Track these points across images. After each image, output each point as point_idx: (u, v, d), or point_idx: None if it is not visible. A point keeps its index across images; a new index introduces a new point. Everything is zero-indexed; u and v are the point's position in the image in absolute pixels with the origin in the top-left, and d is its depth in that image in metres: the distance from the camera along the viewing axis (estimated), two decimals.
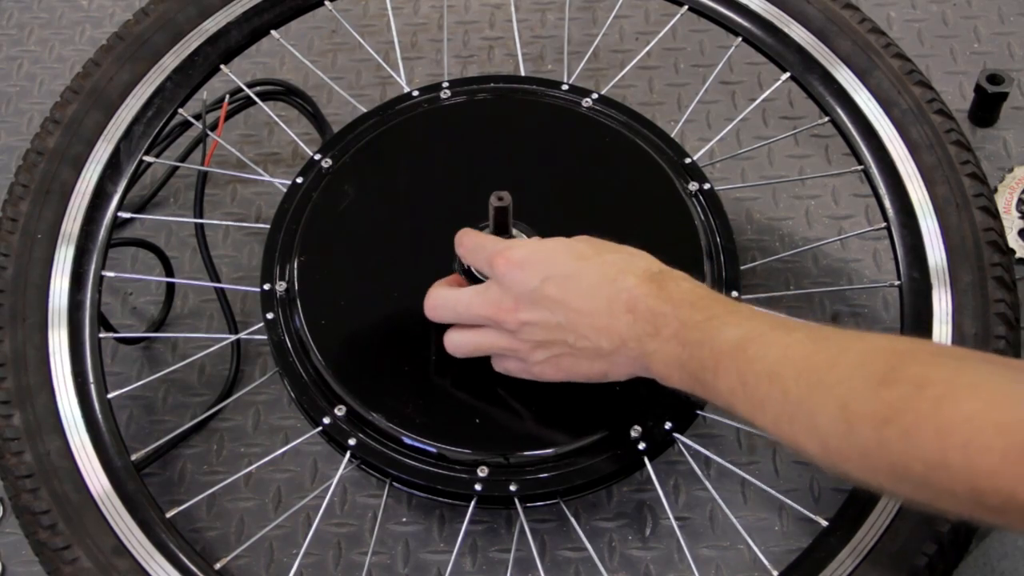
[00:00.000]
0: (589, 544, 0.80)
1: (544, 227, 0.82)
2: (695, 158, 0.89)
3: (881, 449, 0.53)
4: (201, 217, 0.99)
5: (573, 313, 0.68)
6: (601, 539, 0.88)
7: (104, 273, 0.85)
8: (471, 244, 0.75)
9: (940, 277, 0.83)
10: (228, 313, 0.99)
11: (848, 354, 0.57)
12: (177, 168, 1.08)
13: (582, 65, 1.03)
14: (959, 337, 0.80)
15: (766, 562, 0.76)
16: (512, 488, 0.75)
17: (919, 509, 0.71)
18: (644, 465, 0.77)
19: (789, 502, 0.81)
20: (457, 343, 0.75)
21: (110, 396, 0.80)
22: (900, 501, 0.56)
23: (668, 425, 0.77)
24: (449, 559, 0.81)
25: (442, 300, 0.75)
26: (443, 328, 0.77)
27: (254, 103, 1.04)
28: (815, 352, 0.58)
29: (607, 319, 0.67)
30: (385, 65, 1.03)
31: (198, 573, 0.74)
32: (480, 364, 0.77)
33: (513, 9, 1.08)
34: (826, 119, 0.93)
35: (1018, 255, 1.00)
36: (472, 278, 0.76)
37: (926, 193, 0.86)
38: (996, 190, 1.03)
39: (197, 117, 0.98)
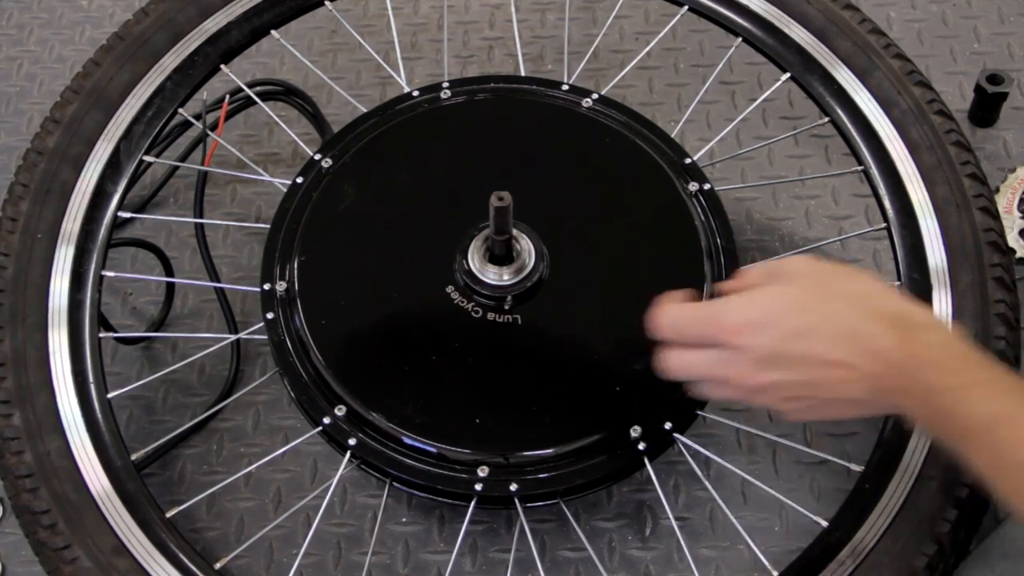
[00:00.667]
0: (589, 544, 0.80)
1: (544, 227, 0.82)
2: (695, 158, 0.89)
3: None
4: (201, 217, 0.99)
5: (816, 369, 0.63)
6: (601, 539, 0.88)
7: (104, 273, 0.85)
8: (672, 321, 0.68)
9: (940, 278, 0.83)
10: (228, 313, 0.99)
11: None
12: (177, 168, 1.08)
13: (582, 65, 1.03)
14: None
15: (766, 562, 0.76)
16: (512, 488, 0.75)
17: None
18: (644, 465, 0.77)
19: (789, 502, 0.81)
20: (707, 392, 0.70)
21: (110, 396, 0.80)
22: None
23: (668, 425, 0.77)
24: (449, 559, 0.81)
25: (681, 358, 0.68)
26: (444, 329, 0.77)
27: (254, 103, 1.04)
28: None
29: (853, 372, 0.62)
30: (385, 65, 1.03)
31: (198, 573, 0.74)
32: (480, 364, 0.77)
33: (513, 9, 1.08)
34: (826, 119, 0.93)
35: (1019, 255, 1.00)
36: None
37: (926, 193, 0.86)
38: (998, 190, 1.03)
39: (197, 117, 0.98)
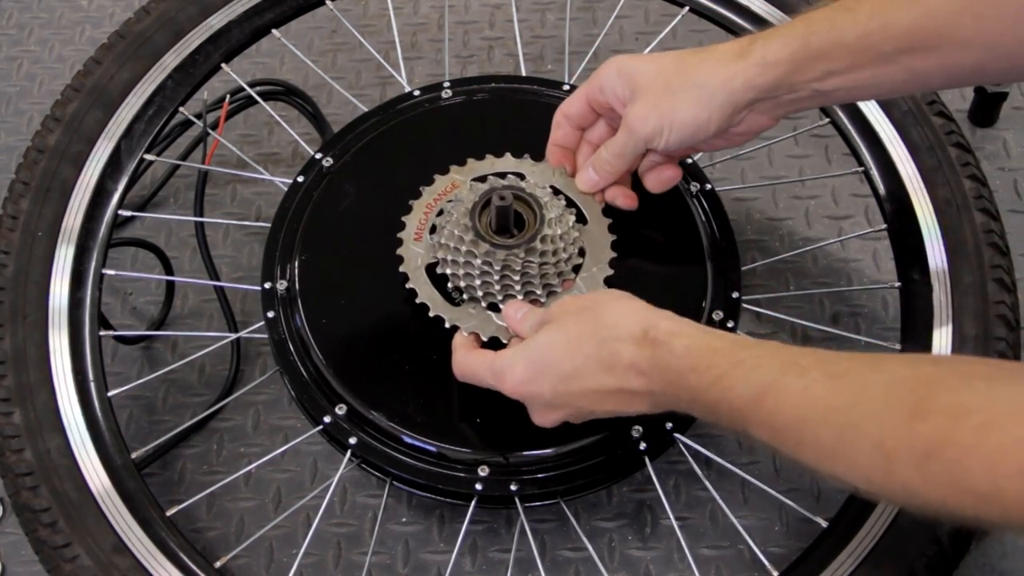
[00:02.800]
0: (589, 544, 0.80)
1: None
2: (696, 158, 0.89)
3: (927, 485, 0.52)
4: (201, 216, 0.99)
5: (595, 400, 0.68)
6: (601, 539, 0.88)
7: (104, 271, 0.85)
8: (466, 372, 0.74)
9: (940, 278, 0.83)
10: (228, 312, 0.99)
11: (870, 389, 0.56)
12: (178, 167, 1.08)
13: (583, 65, 1.03)
14: (959, 339, 0.80)
15: (766, 562, 0.76)
16: (512, 488, 0.75)
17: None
18: (644, 465, 0.77)
19: (789, 502, 0.81)
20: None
21: (110, 395, 0.80)
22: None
23: (668, 425, 0.77)
24: (449, 559, 0.81)
25: (471, 373, 0.74)
26: (445, 328, 0.77)
27: (255, 102, 1.04)
28: (834, 392, 0.57)
29: (629, 395, 0.67)
30: (386, 64, 1.03)
31: (198, 572, 0.74)
32: None
33: (513, 9, 1.08)
34: (826, 120, 0.93)
35: None
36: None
37: (926, 194, 0.86)
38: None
39: (198, 116, 0.98)
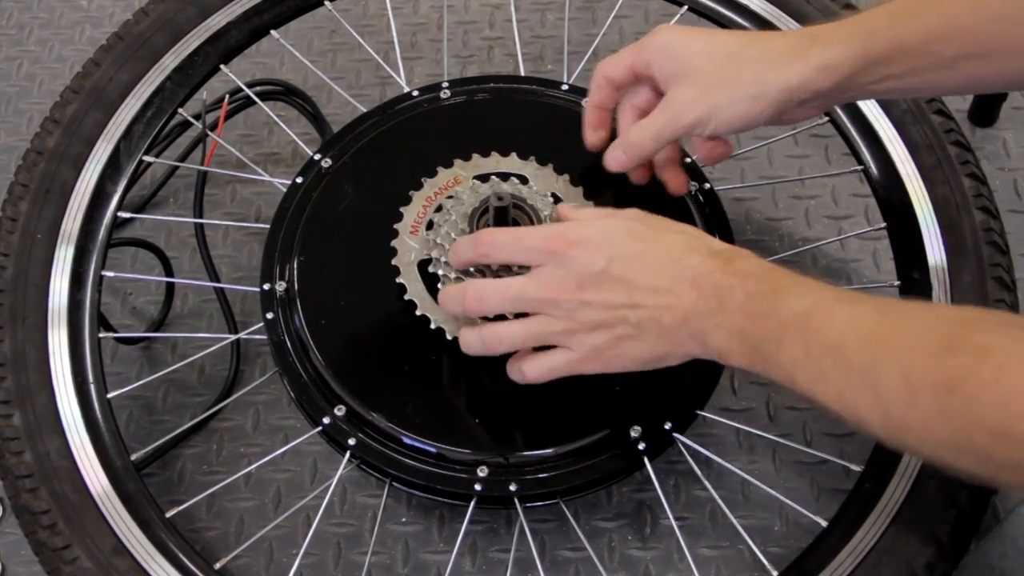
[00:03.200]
0: (589, 544, 0.81)
1: None
2: (695, 158, 0.89)
3: (944, 418, 0.53)
4: (201, 217, 0.99)
5: (637, 292, 0.66)
6: (601, 539, 0.88)
7: (104, 273, 0.85)
8: (507, 238, 0.70)
9: (940, 277, 0.83)
10: (228, 313, 0.99)
11: (913, 324, 0.57)
12: (177, 168, 1.08)
13: (582, 65, 1.02)
14: None
15: (766, 562, 0.76)
16: (512, 488, 0.75)
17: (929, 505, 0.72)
18: (644, 465, 0.77)
19: (789, 502, 0.81)
20: (503, 335, 0.71)
21: (110, 396, 0.80)
22: (963, 476, 0.56)
23: (668, 425, 0.77)
24: (449, 559, 0.81)
25: (490, 289, 0.70)
26: (444, 328, 0.77)
27: (254, 103, 1.04)
28: (880, 322, 0.58)
29: (671, 297, 0.66)
30: (385, 65, 1.03)
31: (198, 573, 0.74)
32: (481, 364, 0.77)
33: (513, 9, 1.08)
34: (826, 119, 0.93)
35: None
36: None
37: (926, 193, 0.86)
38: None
39: (197, 117, 0.98)
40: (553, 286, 0.68)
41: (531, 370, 0.72)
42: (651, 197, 0.84)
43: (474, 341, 0.72)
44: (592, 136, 0.83)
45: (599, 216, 0.71)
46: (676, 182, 0.83)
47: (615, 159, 0.80)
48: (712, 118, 0.74)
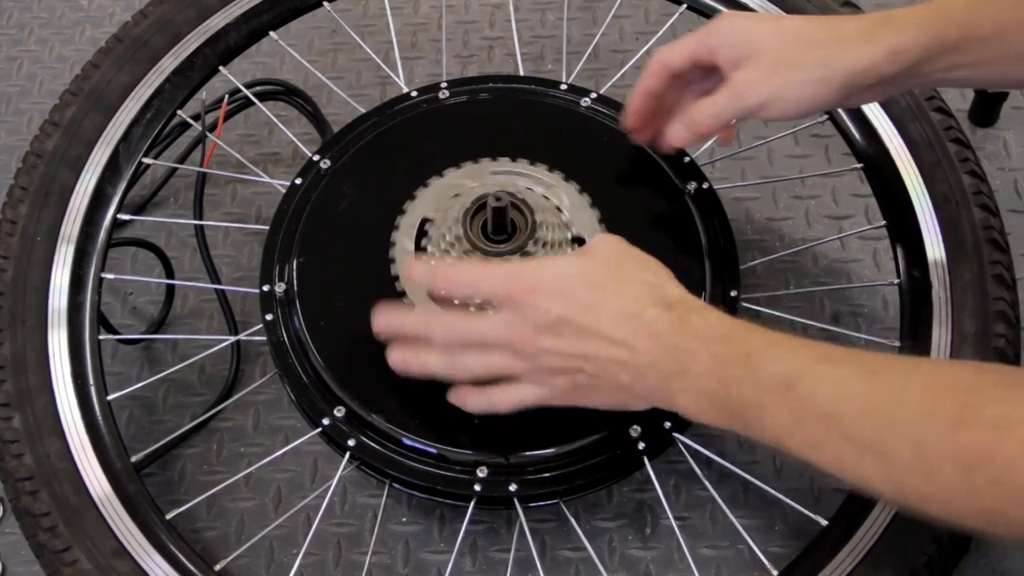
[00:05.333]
0: (589, 544, 0.81)
1: None
2: (694, 157, 0.89)
3: (969, 495, 0.52)
4: (201, 218, 0.99)
5: (592, 343, 0.65)
6: (601, 539, 0.88)
7: (104, 275, 0.85)
8: (466, 278, 0.69)
9: (940, 275, 0.83)
10: (228, 314, 0.99)
11: (910, 391, 0.55)
12: (176, 169, 1.08)
13: (581, 65, 1.03)
14: (959, 336, 0.80)
15: (766, 562, 0.76)
16: (512, 488, 0.75)
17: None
18: (644, 465, 0.77)
19: (789, 502, 0.81)
20: (469, 365, 0.70)
21: (110, 398, 0.80)
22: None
23: (668, 425, 0.77)
24: (449, 559, 0.81)
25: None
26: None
27: (253, 103, 1.04)
28: (872, 389, 0.56)
29: (626, 352, 0.64)
30: (384, 65, 1.03)
31: (198, 574, 0.74)
32: None
33: (512, 9, 1.08)
34: (825, 118, 0.93)
35: None
36: None
37: (925, 191, 0.86)
38: None
39: (196, 118, 0.98)
40: (512, 331, 0.67)
41: (501, 401, 0.71)
42: (652, 196, 0.84)
43: (439, 363, 0.71)
44: (633, 119, 0.82)
45: (559, 259, 0.69)
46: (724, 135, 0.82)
47: (676, 134, 0.79)
48: (777, 100, 0.73)
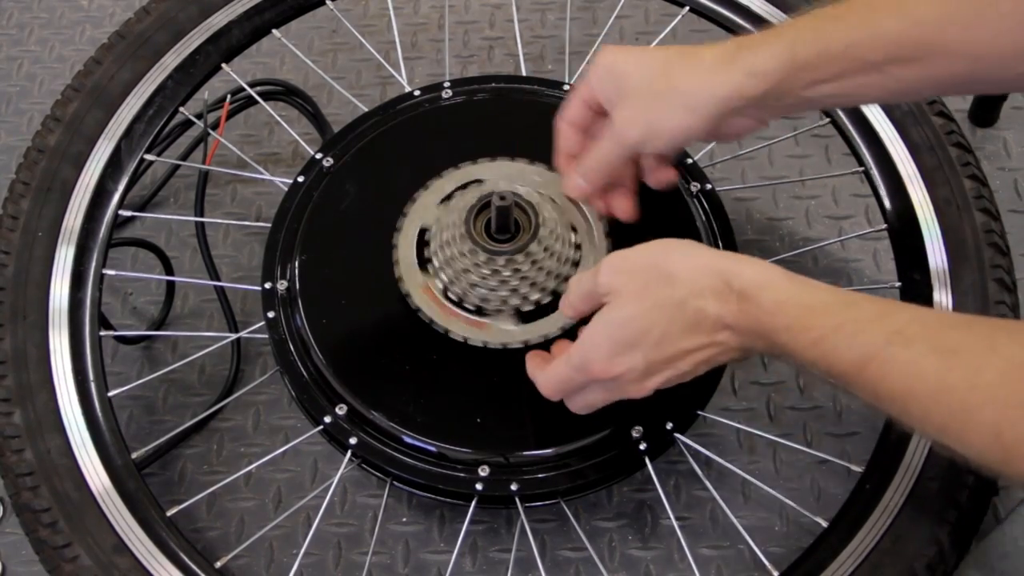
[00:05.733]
0: (589, 544, 0.81)
1: None
2: (696, 158, 0.89)
3: None
4: (202, 216, 0.99)
5: (684, 362, 0.67)
6: (601, 539, 0.88)
7: (105, 271, 0.85)
8: (555, 386, 0.72)
9: (941, 278, 0.83)
10: (228, 312, 0.99)
11: (985, 373, 0.55)
12: (178, 167, 1.08)
13: (583, 65, 1.02)
14: None
15: (766, 562, 0.76)
16: (513, 488, 0.75)
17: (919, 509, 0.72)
18: (644, 465, 0.77)
19: (789, 502, 0.81)
20: (580, 405, 0.73)
21: (110, 395, 0.80)
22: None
23: (669, 425, 0.77)
24: (449, 559, 0.81)
25: (560, 384, 0.72)
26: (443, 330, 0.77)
27: (255, 103, 1.04)
28: (946, 371, 0.56)
29: (716, 348, 0.66)
30: (386, 64, 1.03)
31: (198, 572, 0.74)
32: (482, 364, 0.77)
33: (514, 9, 1.08)
34: (827, 120, 0.93)
35: None
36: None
37: (927, 194, 0.86)
38: None
39: (198, 116, 0.98)
40: (618, 393, 0.69)
41: (574, 404, 0.73)
42: (653, 196, 0.84)
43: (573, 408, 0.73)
44: (567, 187, 0.81)
45: (603, 317, 0.68)
46: (661, 177, 0.81)
47: (575, 187, 0.79)
48: (651, 134, 0.73)
